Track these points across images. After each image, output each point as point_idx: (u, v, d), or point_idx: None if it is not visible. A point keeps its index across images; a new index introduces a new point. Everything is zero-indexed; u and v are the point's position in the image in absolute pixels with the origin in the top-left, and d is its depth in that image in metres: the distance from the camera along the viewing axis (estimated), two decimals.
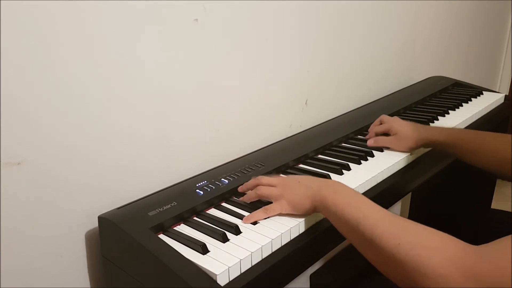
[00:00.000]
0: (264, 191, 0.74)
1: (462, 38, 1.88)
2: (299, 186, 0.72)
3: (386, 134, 1.02)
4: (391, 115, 1.21)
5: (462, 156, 0.93)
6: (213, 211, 0.76)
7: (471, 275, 0.49)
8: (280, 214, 0.73)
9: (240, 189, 0.80)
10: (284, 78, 1.06)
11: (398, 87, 1.46)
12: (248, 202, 0.76)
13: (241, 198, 0.77)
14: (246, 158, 0.93)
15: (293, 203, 0.71)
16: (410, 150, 0.97)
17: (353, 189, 0.70)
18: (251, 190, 0.77)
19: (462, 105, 1.31)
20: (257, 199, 0.75)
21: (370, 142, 1.01)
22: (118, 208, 0.74)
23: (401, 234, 0.56)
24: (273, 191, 0.73)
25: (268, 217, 0.72)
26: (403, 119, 1.13)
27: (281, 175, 0.82)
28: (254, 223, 0.71)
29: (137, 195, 0.78)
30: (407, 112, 1.26)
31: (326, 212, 0.68)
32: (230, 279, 0.61)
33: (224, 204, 0.78)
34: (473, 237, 0.58)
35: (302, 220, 0.72)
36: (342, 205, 0.65)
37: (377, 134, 1.03)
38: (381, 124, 1.05)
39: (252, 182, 0.78)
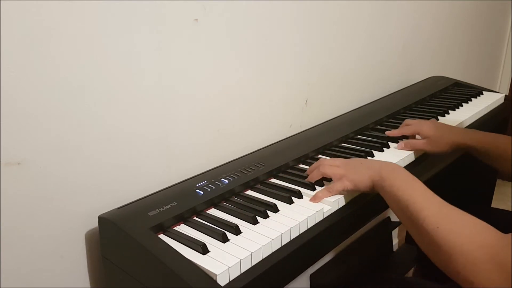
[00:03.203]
0: (327, 170, 0.78)
1: (462, 38, 1.88)
2: (362, 167, 0.77)
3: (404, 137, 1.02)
4: (391, 115, 1.21)
5: (493, 162, 0.95)
6: (213, 211, 0.76)
7: (495, 262, 0.55)
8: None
9: (307, 172, 0.84)
10: (284, 78, 1.06)
11: (398, 87, 1.46)
12: (312, 181, 0.81)
13: (306, 179, 0.82)
14: (246, 158, 0.93)
15: (355, 182, 0.76)
16: (444, 154, 0.97)
17: (410, 174, 0.73)
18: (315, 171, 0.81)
19: (462, 105, 1.31)
20: (320, 178, 0.80)
21: (401, 146, 0.98)
22: (118, 208, 0.74)
23: (441, 220, 0.62)
24: (336, 171, 0.78)
25: (332, 195, 0.76)
26: (405, 118, 1.12)
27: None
28: (255, 222, 0.71)
29: (137, 195, 0.78)
30: (407, 112, 1.26)
31: (382, 191, 0.73)
32: (230, 279, 0.61)
33: (224, 204, 0.78)
34: None
35: (301, 220, 0.72)
36: (397, 187, 0.70)
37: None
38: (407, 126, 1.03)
39: (315, 164, 0.83)
